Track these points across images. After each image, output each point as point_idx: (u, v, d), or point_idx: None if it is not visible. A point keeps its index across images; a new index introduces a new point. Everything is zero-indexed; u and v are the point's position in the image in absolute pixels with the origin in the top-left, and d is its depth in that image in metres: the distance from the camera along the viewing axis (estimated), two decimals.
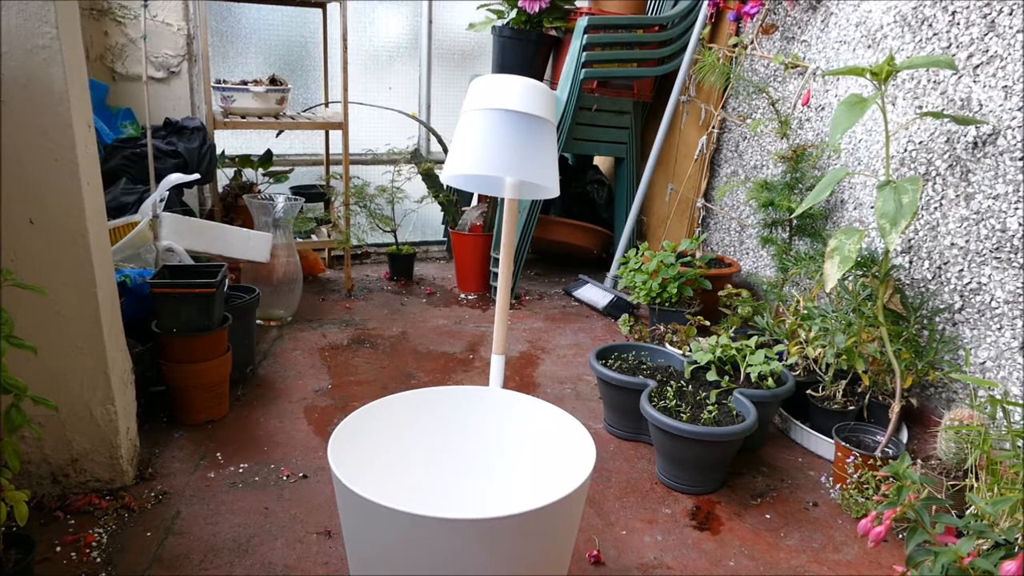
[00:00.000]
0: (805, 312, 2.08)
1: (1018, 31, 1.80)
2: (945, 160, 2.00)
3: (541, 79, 3.56)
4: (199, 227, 2.41)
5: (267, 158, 3.32)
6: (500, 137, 1.37)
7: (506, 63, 3.45)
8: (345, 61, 3.03)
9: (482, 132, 1.37)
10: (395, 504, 0.98)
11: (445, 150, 3.59)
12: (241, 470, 1.79)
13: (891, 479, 1.12)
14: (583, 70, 3.08)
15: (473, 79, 1.49)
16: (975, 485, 1.48)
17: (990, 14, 1.87)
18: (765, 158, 2.83)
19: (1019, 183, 1.81)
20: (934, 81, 2.04)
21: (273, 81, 3.08)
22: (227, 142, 3.52)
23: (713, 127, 3.10)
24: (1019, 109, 1.80)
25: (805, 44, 2.61)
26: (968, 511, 1.50)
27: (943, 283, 2.01)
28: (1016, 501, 1.24)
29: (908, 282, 2.12)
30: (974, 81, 1.92)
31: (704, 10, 3.02)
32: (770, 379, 1.96)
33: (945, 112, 1.96)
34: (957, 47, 1.96)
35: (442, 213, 3.82)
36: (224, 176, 3.28)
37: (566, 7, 3.37)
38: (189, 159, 2.72)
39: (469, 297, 3.29)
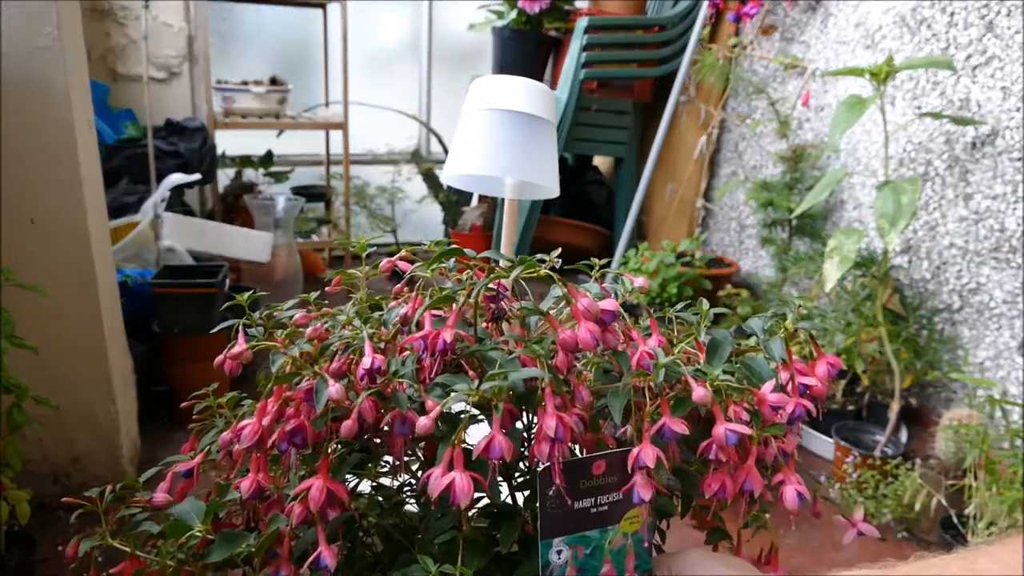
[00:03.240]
0: (804, 312, 2.08)
1: (1016, 32, 1.81)
2: (944, 160, 2.00)
3: (541, 79, 3.57)
4: (200, 227, 2.42)
5: (268, 158, 3.33)
6: (500, 137, 1.37)
7: (506, 64, 3.45)
8: (345, 61, 3.03)
9: (482, 132, 1.37)
10: None
11: (445, 150, 3.59)
12: None
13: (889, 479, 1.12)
14: (583, 70, 3.08)
15: (473, 79, 1.49)
16: (974, 484, 1.48)
17: (988, 15, 1.88)
18: (764, 158, 2.84)
19: (1017, 183, 1.81)
20: (933, 82, 2.04)
21: (273, 81, 3.09)
22: (228, 142, 3.52)
23: (713, 127, 3.11)
24: (1017, 109, 1.81)
25: (804, 45, 2.61)
26: (967, 510, 1.51)
27: (942, 283, 2.02)
28: (1015, 500, 1.24)
29: (907, 282, 2.12)
30: (973, 82, 1.92)
31: (704, 10, 3.02)
32: None
33: (944, 112, 1.96)
34: (956, 48, 1.97)
35: (442, 213, 3.82)
36: (225, 176, 3.29)
37: (566, 8, 3.38)
38: (190, 159, 2.73)
39: None
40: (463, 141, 1.40)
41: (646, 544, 0.53)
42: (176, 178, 2.40)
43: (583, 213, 3.73)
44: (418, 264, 0.59)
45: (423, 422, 0.46)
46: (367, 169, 3.76)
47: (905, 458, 1.77)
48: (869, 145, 2.28)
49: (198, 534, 0.52)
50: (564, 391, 0.48)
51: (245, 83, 3.04)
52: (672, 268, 2.64)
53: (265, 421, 0.50)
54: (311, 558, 0.47)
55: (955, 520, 1.54)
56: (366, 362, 0.49)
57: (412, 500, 0.57)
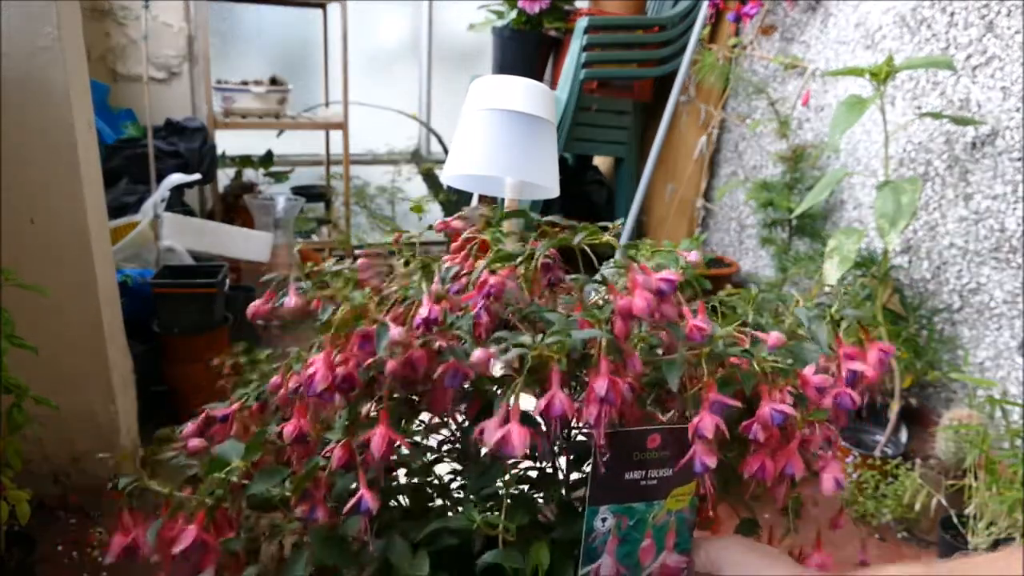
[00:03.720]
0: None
1: (1016, 32, 1.81)
2: (944, 160, 2.00)
3: (541, 79, 3.57)
4: (200, 227, 2.42)
5: (268, 158, 3.33)
6: (501, 137, 1.37)
7: (506, 64, 3.45)
8: (345, 61, 3.03)
9: (483, 132, 1.38)
10: None
11: (445, 150, 3.59)
12: None
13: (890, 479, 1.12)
14: (583, 70, 3.08)
15: (473, 79, 1.49)
16: (974, 485, 1.48)
17: (988, 15, 1.88)
18: (764, 158, 2.84)
19: (1017, 183, 1.81)
20: (933, 82, 2.04)
21: (273, 81, 3.09)
22: (228, 142, 3.52)
23: (713, 127, 3.11)
24: (1017, 109, 1.81)
25: (804, 45, 2.61)
26: (967, 510, 1.51)
27: (942, 283, 2.01)
28: (1015, 500, 1.24)
29: (907, 282, 2.12)
30: (972, 82, 1.92)
31: (704, 10, 3.02)
32: None
33: (944, 112, 1.96)
34: (956, 48, 1.97)
35: (442, 213, 3.82)
36: (225, 176, 3.29)
37: (566, 8, 3.38)
38: (190, 159, 2.73)
39: None
40: (463, 141, 1.40)
41: (688, 524, 0.53)
42: (176, 178, 2.40)
43: (583, 213, 3.73)
44: (478, 216, 0.59)
45: (478, 355, 0.46)
46: (367, 169, 3.76)
47: (905, 458, 1.77)
48: (869, 145, 2.28)
49: (236, 472, 0.52)
50: (617, 359, 0.48)
51: (245, 83, 3.04)
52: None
53: (341, 369, 0.50)
54: (351, 502, 0.47)
55: (955, 520, 1.54)
56: (423, 311, 0.49)
57: (448, 458, 0.57)
